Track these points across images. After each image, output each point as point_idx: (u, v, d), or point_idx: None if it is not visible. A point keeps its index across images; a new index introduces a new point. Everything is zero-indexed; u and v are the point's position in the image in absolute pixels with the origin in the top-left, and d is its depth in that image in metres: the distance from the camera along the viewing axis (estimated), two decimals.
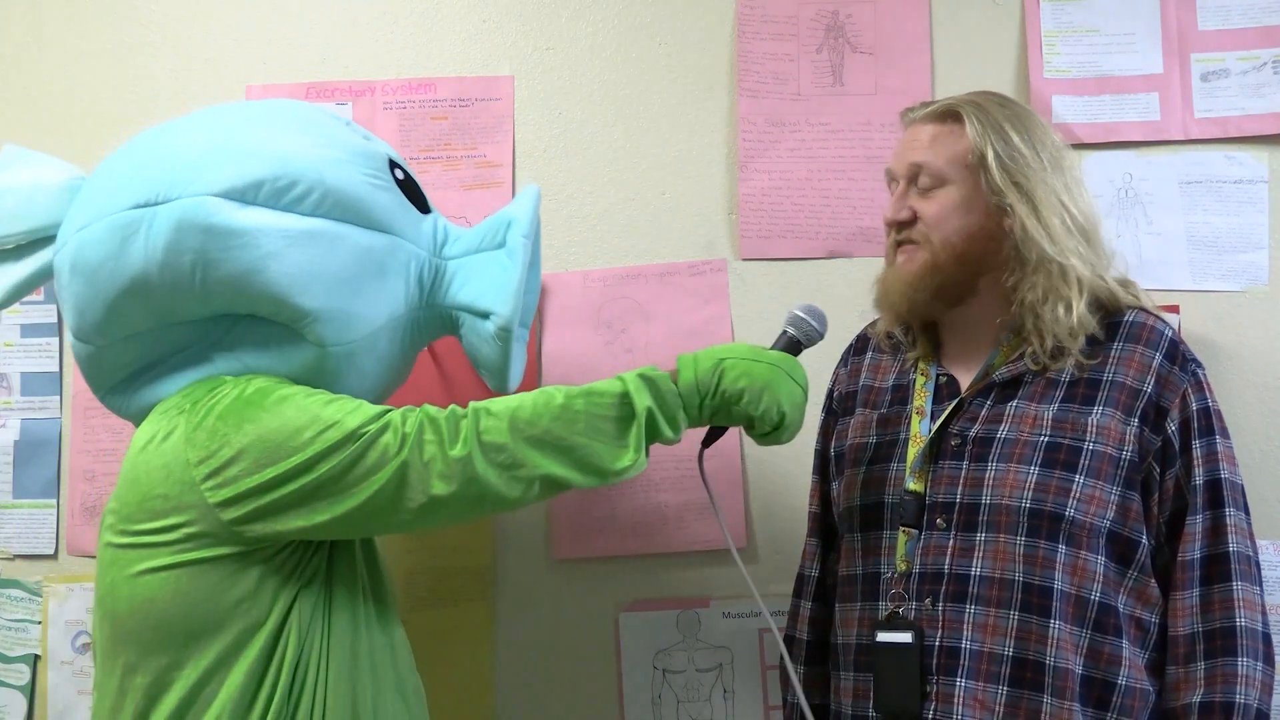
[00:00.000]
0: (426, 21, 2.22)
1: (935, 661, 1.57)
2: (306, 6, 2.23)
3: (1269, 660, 1.55)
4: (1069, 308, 1.59)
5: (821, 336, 1.69)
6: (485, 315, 1.64)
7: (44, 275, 1.69)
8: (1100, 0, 2.11)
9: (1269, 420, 2.00)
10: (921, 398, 1.70)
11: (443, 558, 2.11)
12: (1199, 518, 1.56)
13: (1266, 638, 1.55)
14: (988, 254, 1.63)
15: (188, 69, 2.23)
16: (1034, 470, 1.57)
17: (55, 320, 2.21)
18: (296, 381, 1.58)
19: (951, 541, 1.59)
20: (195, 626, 1.48)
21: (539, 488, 1.51)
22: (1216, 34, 2.08)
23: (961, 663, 1.55)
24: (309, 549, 1.54)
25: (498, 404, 1.51)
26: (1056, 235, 1.59)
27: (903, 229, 1.67)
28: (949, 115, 1.67)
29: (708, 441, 1.68)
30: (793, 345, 1.66)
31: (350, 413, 1.48)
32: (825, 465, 1.84)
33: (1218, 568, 1.55)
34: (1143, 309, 1.66)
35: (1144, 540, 1.57)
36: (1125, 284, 1.67)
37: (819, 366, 1.88)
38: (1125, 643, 1.54)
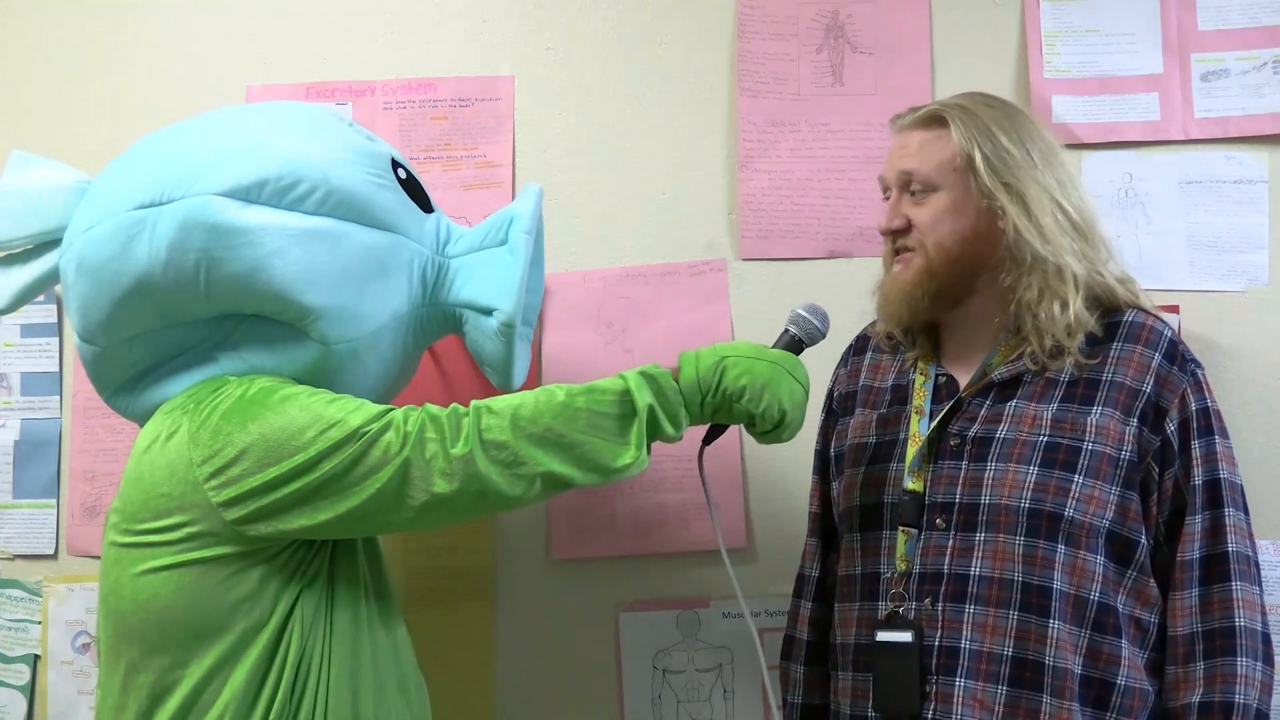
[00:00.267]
0: (426, 21, 2.22)
1: (935, 661, 1.57)
2: (306, 6, 2.23)
3: (1268, 660, 1.55)
4: (1065, 306, 1.59)
5: (824, 335, 1.69)
6: (488, 311, 1.65)
7: (51, 278, 1.70)
8: (1100, 0, 2.11)
9: (1269, 420, 2.00)
10: (921, 397, 1.70)
11: (443, 558, 2.11)
12: (1198, 518, 1.56)
13: (1266, 637, 1.55)
14: (983, 255, 1.64)
15: (188, 69, 2.23)
16: (1033, 470, 1.57)
17: (55, 320, 2.21)
18: (301, 380, 1.59)
19: (951, 541, 1.59)
20: (198, 626, 1.48)
21: (540, 485, 1.51)
22: (1216, 34, 2.08)
23: (961, 662, 1.55)
24: (311, 548, 1.54)
25: (499, 402, 1.52)
26: (1049, 234, 1.59)
27: (898, 237, 1.67)
28: (935, 120, 1.67)
29: (708, 439, 1.68)
30: (795, 344, 1.66)
31: (352, 411, 1.48)
32: (825, 465, 1.84)
33: (1217, 568, 1.55)
34: (1141, 309, 1.66)
35: (1143, 540, 1.57)
36: (1124, 280, 1.67)
37: (819, 367, 1.88)
38: (1124, 643, 1.54)
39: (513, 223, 1.67)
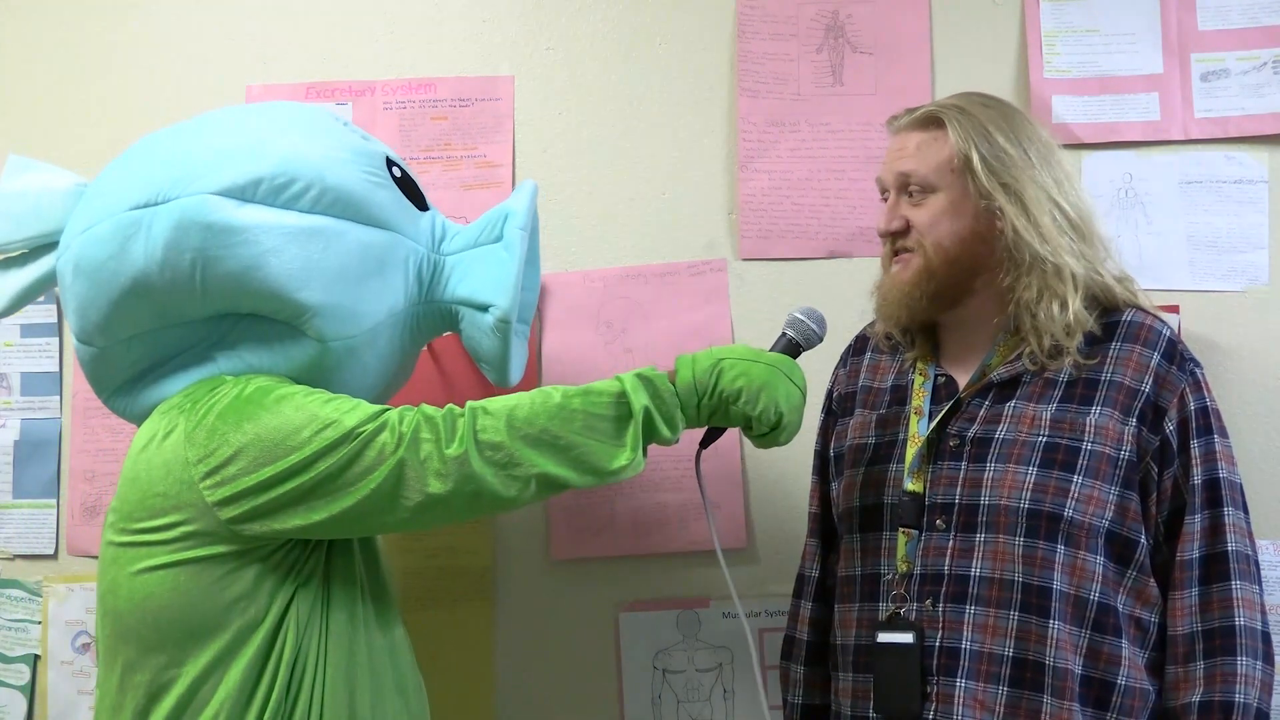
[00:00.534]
0: (426, 21, 2.22)
1: (935, 662, 1.57)
2: (306, 6, 2.23)
3: (1268, 659, 1.55)
4: (1064, 305, 1.59)
5: (820, 339, 1.69)
6: (484, 308, 1.65)
7: (49, 281, 1.70)
8: (1100, 0, 2.11)
9: (1269, 420, 2.00)
10: (920, 398, 1.70)
11: (442, 558, 2.11)
12: (1197, 517, 1.56)
13: (1266, 637, 1.55)
14: (981, 256, 1.64)
15: (188, 69, 2.23)
16: (1032, 470, 1.57)
17: (55, 320, 2.21)
18: (298, 378, 1.59)
19: (951, 542, 1.59)
20: (193, 625, 1.48)
21: (535, 487, 1.51)
22: (1216, 34, 2.08)
23: (961, 663, 1.55)
24: (306, 548, 1.54)
25: (495, 403, 1.52)
26: (1048, 234, 1.59)
27: (897, 238, 1.67)
28: (932, 121, 1.67)
29: (705, 442, 1.68)
30: (792, 347, 1.66)
31: (348, 411, 1.48)
32: (825, 466, 1.84)
33: (1216, 567, 1.55)
34: (1140, 308, 1.66)
35: (1143, 540, 1.57)
36: (1122, 280, 1.67)
37: (819, 367, 1.88)
38: (1125, 642, 1.54)
39: (507, 219, 1.68)
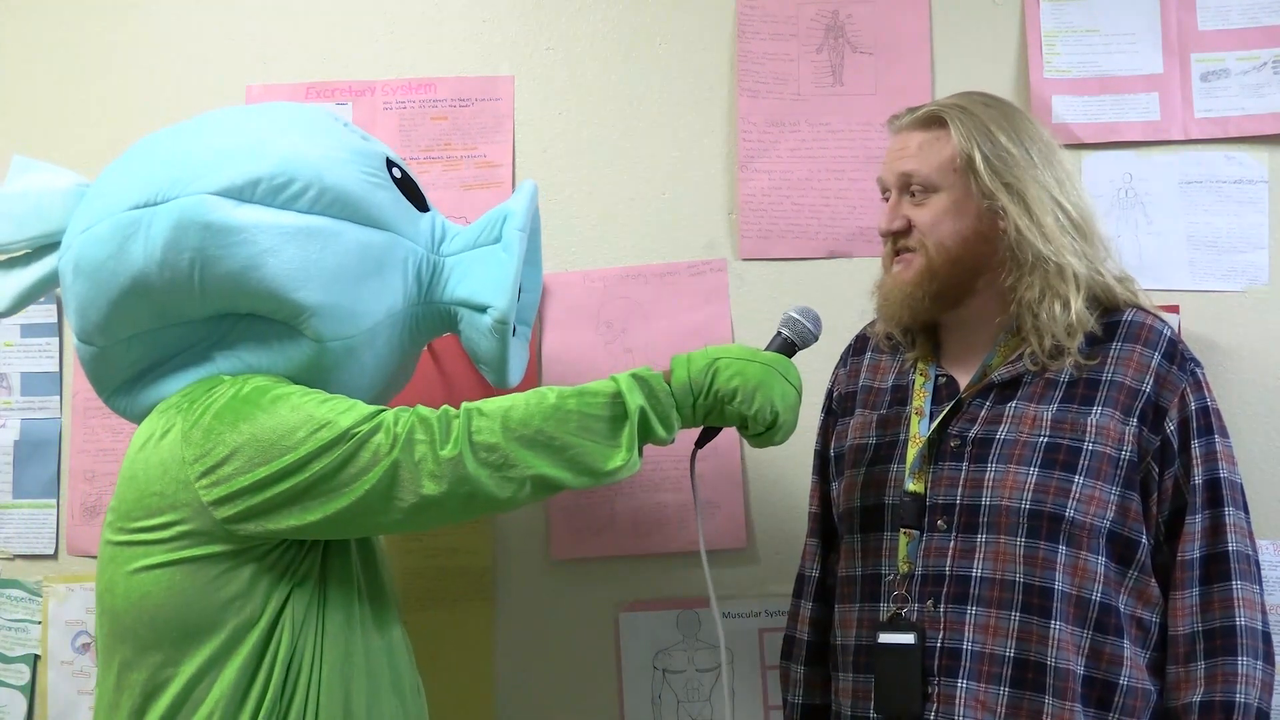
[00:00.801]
0: (426, 21, 2.22)
1: (936, 663, 1.57)
2: (306, 6, 2.23)
3: (1269, 659, 1.55)
4: (1066, 305, 1.59)
5: (816, 338, 1.68)
6: (482, 309, 1.65)
7: (51, 281, 1.71)
8: (1100, 0, 2.11)
9: (1269, 420, 2.00)
10: (921, 398, 1.70)
11: (442, 558, 2.11)
12: (1198, 517, 1.56)
13: (1266, 636, 1.55)
14: (984, 256, 1.64)
15: (188, 69, 2.23)
16: (1033, 471, 1.57)
17: (55, 320, 2.21)
18: (296, 378, 1.59)
19: (952, 543, 1.59)
20: (189, 624, 1.48)
21: (530, 488, 1.50)
22: (1216, 34, 2.08)
23: (963, 664, 1.55)
24: (302, 548, 1.54)
25: (490, 404, 1.52)
26: (1050, 233, 1.59)
27: (898, 238, 1.67)
28: (934, 121, 1.67)
29: (701, 442, 1.68)
30: (787, 346, 1.66)
31: (343, 412, 1.48)
32: (825, 466, 1.84)
33: (1217, 567, 1.55)
34: (1141, 308, 1.66)
35: (1144, 540, 1.57)
36: (1123, 280, 1.67)
37: (819, 366, 1.88)
38: (1126, 643, 1.54)
39: (506, 220, 1.67)
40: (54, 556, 2.19)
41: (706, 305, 2.12)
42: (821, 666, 1.79)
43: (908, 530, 1.63)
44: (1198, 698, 1.52)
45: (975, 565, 1.57)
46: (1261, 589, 1.58)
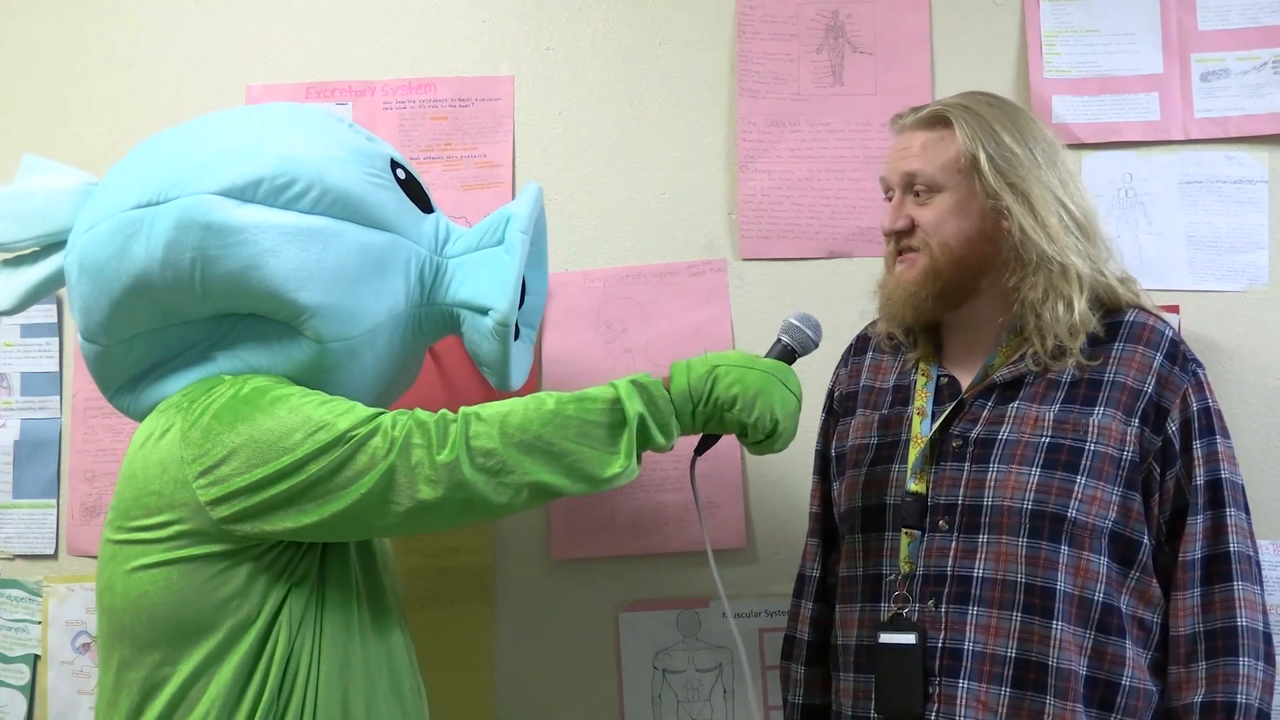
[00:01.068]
0: (426, 21, 2.21)
1: (938, 663, 1.57)
2: (306, 6, 2.23)
3: (1270, 660, 1.55)
4: (1070, 306, 1.59)
5: (816, 345, 1.68)
6: (484, 311, 1.64)
7: (57, 279, 1.72)
8: (1100, 0, 2.11)
9: (1269, 420, 2.00)
10: (922, 398, 1.70)
11: (443, 558, 2.11)
12: (1200, 518, 1.56)
13: (1267, 637, 1.55)
14: (987, 256, 1.64)
15: (188, 70, 2.22)
16: (1035, 472, 1.57)
17: (55, 320, 2.21)
18: (297, 379, 1.59)
19: (954, 543, 1.59)
20: (186, 623, 1.48)
21: (527, 494, 1.50)
22: (1216, 34, 2.08)
23: (964, 664, 1.55)
24: (300, 549, 1.54)
25: (488, 409, 1.51)
26: (1055, 234, 1.59)
27: (901, 237, 1.67)
28: (938, 120, 1.66)
29: (701, 449, 1.67)
30: (787, 353, 1.66)
31: (342, 415, 1.48)
32: (826, 466, 1.84)
33: (1219, 567, 1.55)
34: (1142, 309, 1.66)
35: (1145, 540, 1.57)
36: (1125, 280, 1.67)
37: (820, 366, 1.88)
38: (1128, 643, 1.54)
39: (509, 222, 1.67)
40: (54, 556, 2.19)
41: (706, 305, 2.12)
42: (822, 666, 1.79)
43: (909, 530, 1.63)
44: (1199, 698, 1.52)
45: (977, 565, 1.57)
46: (1263, 590, 1.58)
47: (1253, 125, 2.06)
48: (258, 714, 1.48)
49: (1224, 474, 1.57)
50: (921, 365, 1.72)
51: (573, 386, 1.95)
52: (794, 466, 1.99)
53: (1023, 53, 2.12)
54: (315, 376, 1.60)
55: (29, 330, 2.22)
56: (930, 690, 1.56)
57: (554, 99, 2.19)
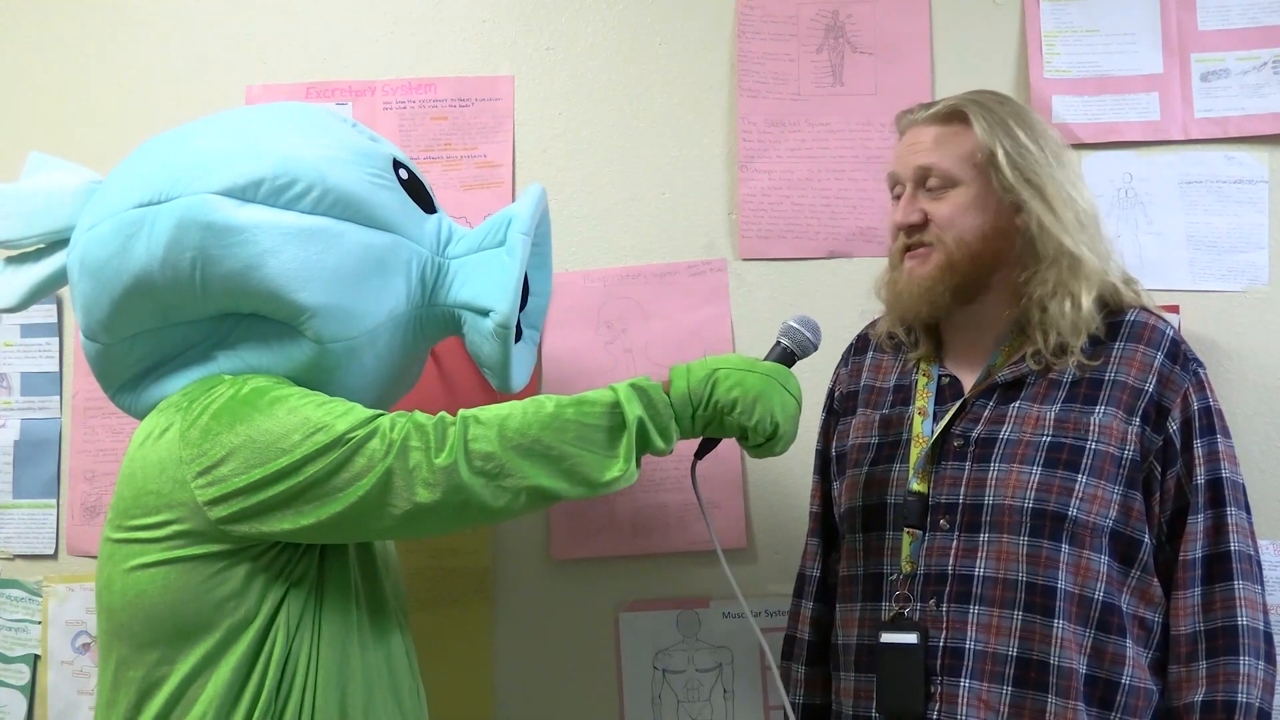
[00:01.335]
0: (426, 21, 2.22)
1: (939, 662, 1.57)
2: (306, 6, 2.23)
3: (1270, 659, 1.55)
4: (1077, 303, 1.59)
5: (815, 348, 1.68)
6: (485, 313, 1.64)
7: (60, 277, 1.72)
8: (1100, 0, 2.11)
9: (1269, 420, 2.01)
10: (924, 398, 1.70)
11: (443, 558, 2.11)
12: (1200, 517, 1.56)
13: (1268, 636, 1.56)
14: (1001, 251, 1.64)
15: (188, 69, 2.22)
16: (1037, 470, 1.57)
17: (55, 320, 2.21)
18: (297, 379, 1.59)
19: (955, 542, 1.59)
20: (184, 623, 1.48)
21: (525, 498, 1.50)
22: (1216, 34, 2.08)
23: (965, 663, 1.55)
24: (298, 550, 1.54)
25: (487, 412, 1.51)
26: (1071, 228, 1.60)
27: (914, 232, 1.66)
28: (953, 116, 1.66)
29: (700, 453, 1.67)
30: (786, 356, 1.65)
31: (340, 416, 1.48)
32: (826, 465, 1.84)
33: (1219, 567, 1.55)
34: (1144, 308, 1.66)
35: (1146, 539, 1.57)
36: (1128, 281, 1.68)
37: (820, 366, 1.88)
38: (1129, 642, 1.54)
39: (511, 223, 1.67)
40: (54, 556, 2.19)
41: (706, 305, 2.12)
42: (822, 666, 1.79)
43: (911, 530, 1.63)
44: (1199, 697, 1.53)
45: (978, 564, 1.57)
46: (1263, 589, 1.58)
47: (1253, 125, 2.06)
48: (255, 714, 1.48)
49: (1225, 473, 1.57)
50: (922, 365, 1.72)
51: (573, 387, 1.96)
52: (794, 466, 1.99)
53: (1023, 53, 2.12)
54: (315, 377, 1.60)
55: (29, 330, 2.22)
56: (932, 689, 1.56)
57: (554, 99, 2.19)
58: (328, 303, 1.56)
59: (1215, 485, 1.57)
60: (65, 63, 2.25)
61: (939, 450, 1.64)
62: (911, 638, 1.58)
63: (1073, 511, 1.54)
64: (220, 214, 1.52)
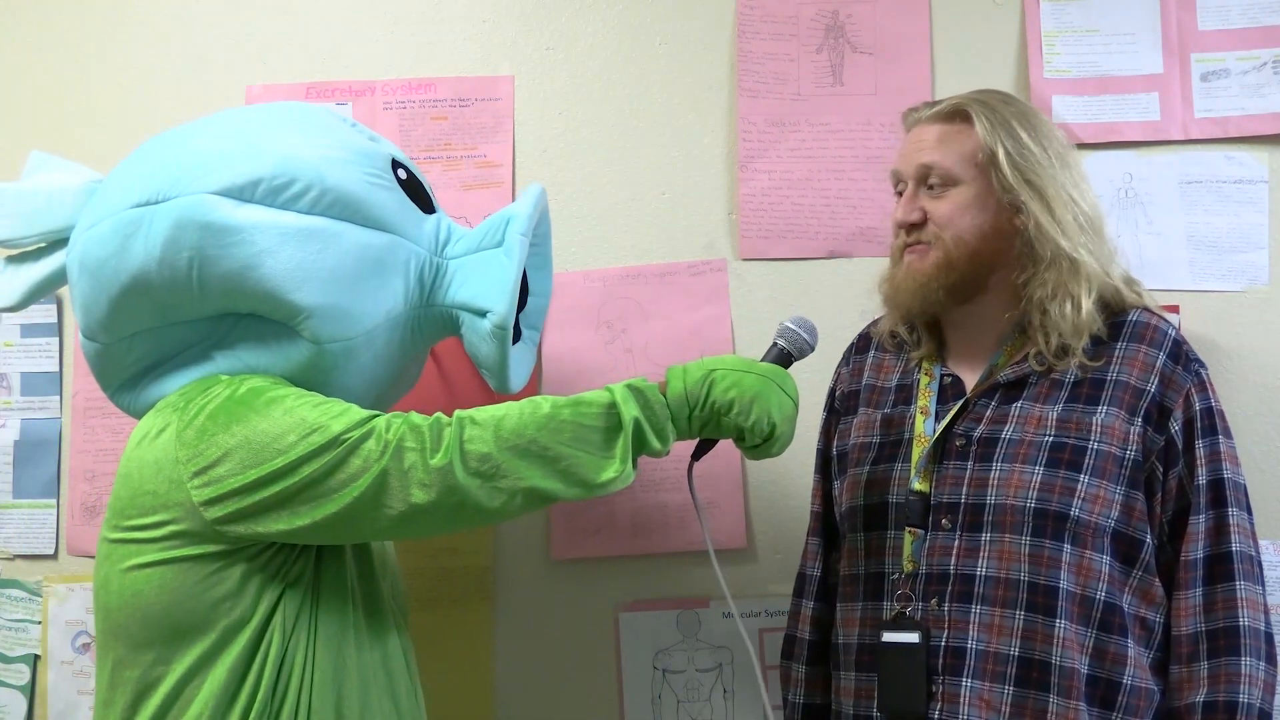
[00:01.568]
0: (426, 21, 2.21)
1: (941, 662, 1.57)
2: (306, 6, 2.23)
3: (1271, 660, 1.55)
4: (1077, 305, 1.59)
5: (812, 349, 1.68)
6: (482, 313, 1.64)
7: (60, 277, 1.72)
8: (1100, 0, 2.11)
9: (1269, 420, 2.01)
10: (926, 398, 1.70)
11: (442, 558, 2.11)
12: (1202, 517, 1.56)
13: (1269, 637, 1.56)
14: (1000, 251, 1.64)
15: (188, 69, 2.22)
16: (1039, 470, 1.57)
17: (55, 320, 2.21)
18: (295, 379, 1.59)
19: (957, 542, 1.59)
20: (180, 623, 1.48)
21: (521, 499, 1.49)
22: (1216, 34, 2.08)
23: (967, 663, 1.55)
24: (294, 551, 1.54)
25: (483, 413, 1.51)
26: (1070, 231, 1.60)
27: (913, 230, 1.66)
28: (957, 115, 1.67)
29: (698, 454, 1.67)
30: (783, 357, 1.65)
31: (336, 417, 1.48)
32: (827, 464, 1.84)
33: (1221, 567, 1.55)
34: (1146, 309, 1.66)
35: (1148, 539, 1.57)
36: (1130, 282, 1.68)
37: (819, 366, 1.88)
38: (1130, 642, 1.55)
39: (509, 224, 1.67)
40: (54, 556, 2.19)
41: (706, 305, 2.12)
42: (823, 666, 1.79)
43: (912, 529, 1.63)
44: (1201, 698, 1.53)
45: (980, 564, 1.57)
46: (1264, 589, 1.58)
47: (1253, 125, 2.06)
48: (251, 714, 1.48)
49: (1226, 474, 1.57)
50: (924, 364, 1.72)
51: (572, 387, 1.96)
52: (794, 466, 1.99)
53: (1023, 53, 2.12)
54: (313, 377, 1.60)
55: (29, 330, 2.22)
56: (933, 689, 1.56)
57: (554, 99, 2.19)
58: (325, 303, 1.56)
59: (1217, 486, 1.57)
60: (65, 63, 2.25)
61: (941, 450, 1.64)
62: (913, 637, 1.58)
63: (1075, 512, 1.54)
64: (217, 214, 1.52)
